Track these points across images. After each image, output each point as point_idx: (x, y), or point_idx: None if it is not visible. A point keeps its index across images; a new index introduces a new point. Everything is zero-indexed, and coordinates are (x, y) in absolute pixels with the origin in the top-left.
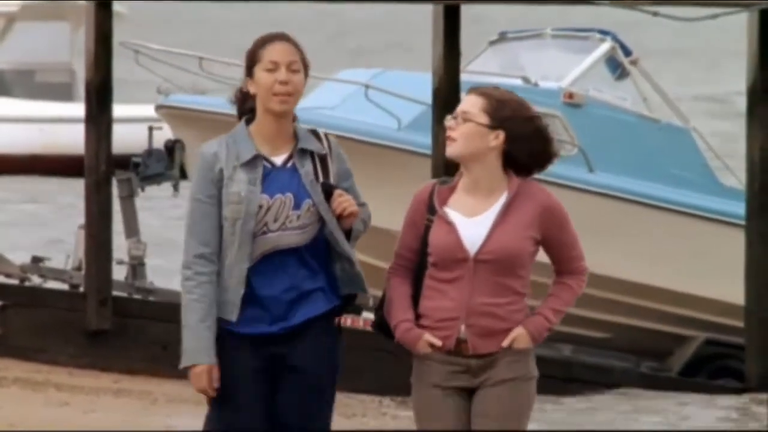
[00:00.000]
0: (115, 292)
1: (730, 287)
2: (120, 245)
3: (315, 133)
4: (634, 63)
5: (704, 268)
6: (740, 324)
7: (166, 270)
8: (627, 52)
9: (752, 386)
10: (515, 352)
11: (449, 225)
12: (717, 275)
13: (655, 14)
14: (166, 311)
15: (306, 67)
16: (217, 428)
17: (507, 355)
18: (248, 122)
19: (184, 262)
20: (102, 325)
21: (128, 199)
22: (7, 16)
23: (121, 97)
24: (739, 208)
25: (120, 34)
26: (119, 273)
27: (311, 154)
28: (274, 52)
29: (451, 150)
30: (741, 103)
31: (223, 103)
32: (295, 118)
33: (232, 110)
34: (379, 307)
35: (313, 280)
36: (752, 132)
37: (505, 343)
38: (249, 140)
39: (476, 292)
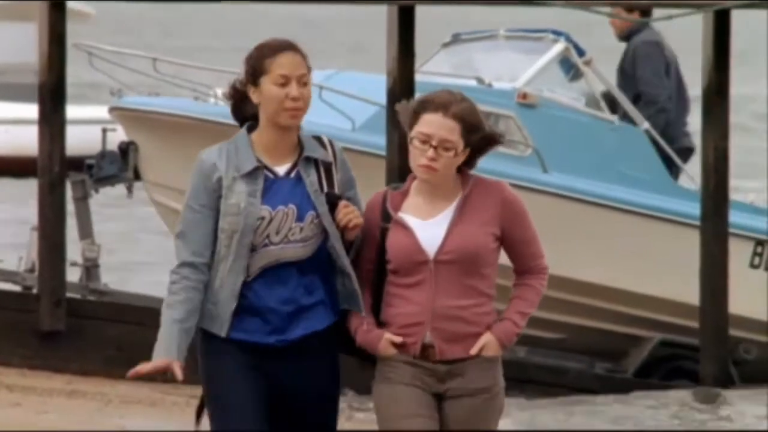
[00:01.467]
0: (68, 294)
1: (684, 288)
2: (74, 247)
3: (319, 140)
4: (587, 63)
5: (659, 269)
6: (695, 325)
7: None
8: (580, 53)
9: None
10: (483, 360)
11: (406, 229)
12: (672, 276)
13: (610, 16)
14: (120, 313)
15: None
16: (213, 429)
17: (475, 363)
18: (250, 129)
19: (172, 269)
20: (56, 326)
21: (82, 201)
22: None
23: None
24: (694, 209)
25: (90, 34)
26: (73, 275)
27: (316, 162)
28: (285, 64)
29: (431, 177)
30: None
31: (177, 105)
32: (300, 128)
33: (187, 112)
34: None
35: (312, 294)
36: (707, 133)
37: (474, 350)
38: (250, 150)
39: (440, 295)
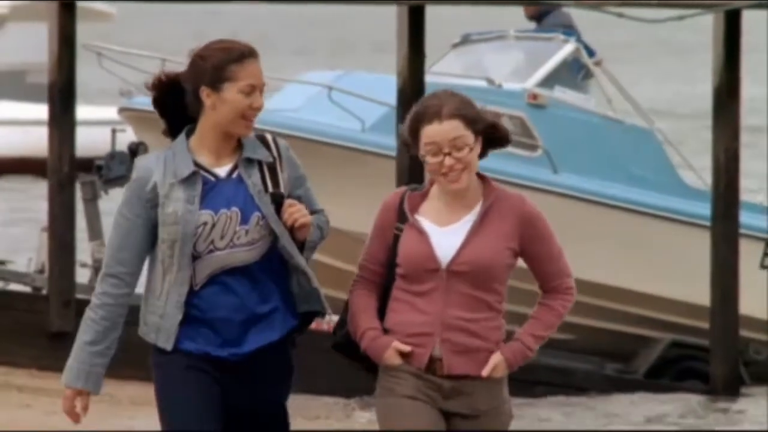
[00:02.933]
0: (78, 295)
1: (695, 289)
2: (83, 248)
3: (262, 139)
4: (598, 64)
5: (669, 270)
6: (705, 326)
7: None
8: (591, 53)
9: (717, 388)
10: (491, 380)
11: (421, 234)
12: (682, 276)
13: (620, 15)
14: (129, 314)
15: None
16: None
17: (482, 384)
18: (188, 133)
19: (99, 278)
20: (65, 327)
21: (91, 202)
22: None
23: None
24: (704, 209)
25: (109, 33)
26: (82, 276)
27: (259, 163)
28: (253, 73)
29: (461, 184)
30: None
31: None
32: None
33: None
34: (340, 325)
35: (266, 301)
36: (718, 133)
37: (485, 372)
38: (188, 154)
39: (450, 306)
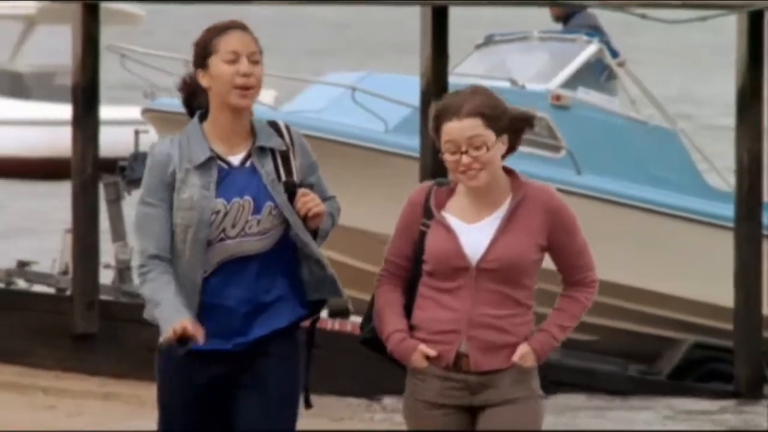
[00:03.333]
0: (101, 296)
1: (718, 290)
2: (107, 250)
3: (275, 126)
4: (621, 65)
5: (692, 271)
6: (729, 327)
7: None
8: (614, 54)
9: (741, 390)
10: (517, 371)
11: (448, 231)
12: (705, 278)
13: (644, 17)
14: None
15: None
16: None
17: (508, 375)
18: (201, 118)
19: (139, 264)
20: (89, 328)
21: (115, 203)
22: (27, 18)
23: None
24: (727, 210)
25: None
26: (106, 278)
27: (272, 151)
28: (234, 41)
29: (479, 182)
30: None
31: None
32: (251, 113)
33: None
34: (367, 320)
35: (274, 290)
36: (741, 134)
37: (514, 358)
38: (203, 139)
39: (478, 303)
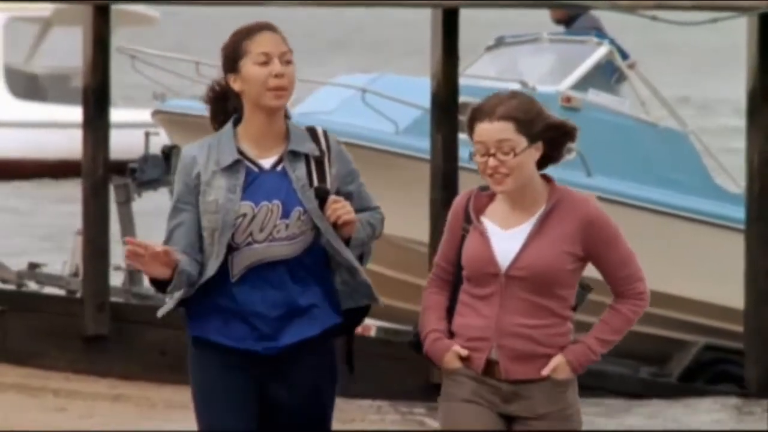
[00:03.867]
0: (112, 298)
1: (729, 292)
2: (117, 251)
3: (312, 132)
4: (631, 67)
5: (703, 272)
6: (740, 329)
7: None
8: (624, 56)
9: (752, 392)
10: (552, 383)
11: (483, 237)
12: (716, 279)
13: (654, 18)
14: (164, 317)
15: None
16: (199, 429)
17: (543, 386)
18: (236, 123)
19: None
20: (99, 330)
21: (125, 205)
22: (42, 20)
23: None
24: (738, 212)
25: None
26: (116, 279)
27: (306, 156)
28: (265, 42)
29: (506, 186)
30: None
31: None
32: (288, 116)
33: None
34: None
35: (306, 295)
36: (752, 136)
37: (545, 372)
38: (232, 142)
39: (507, 311)
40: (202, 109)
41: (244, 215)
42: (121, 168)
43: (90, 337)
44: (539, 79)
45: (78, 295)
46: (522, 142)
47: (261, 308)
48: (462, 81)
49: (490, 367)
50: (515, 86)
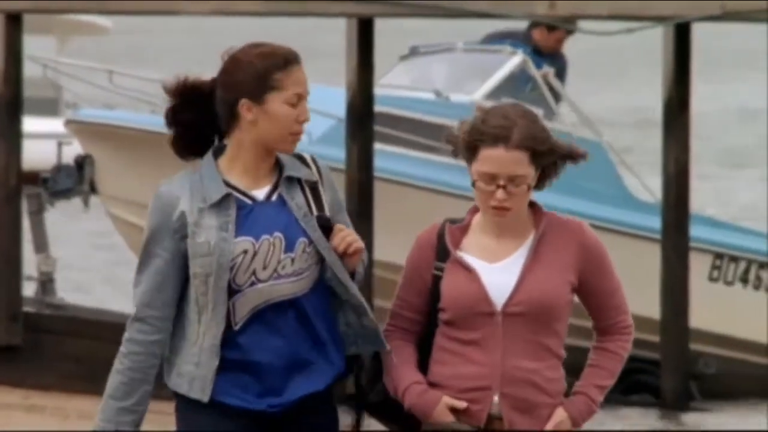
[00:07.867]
0: (25, 308)
1: (644, 302)
2: (30, 262)
3: (300, 158)
4: (545, 76)
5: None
6: (655, 339)
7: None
8: (538, 66)
9: (668, 402)
10: None
11: (469, 272)
12: (631, 290)
13: (575, 30)
14: (78, 326)
15: None
16: None
17: None
18: (216, 153)
19: (128, 321)
20: (13, 340)
21: (37, 215)
22: None
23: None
24: (653, 222)
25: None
26: (29, 290)
27: (300, 182)
28: (301, 81)
29: (507, 219)
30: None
31: (133, 118)
32: None
33: (143, 125)
34: (371, 382)
35: (313, 341)
36: (668, 146)
37: (548, 427)
38: (217, 175)
39: (510, 355)
40: (115, 119)
41: (245, 252)
42: (33, 178)
43: (3, 348)
44: (453, 89)
45: None
46: (532, 173)
47: (268, 357)
48: (377, 90)
49: (490, 423)
50: (429, 96)
